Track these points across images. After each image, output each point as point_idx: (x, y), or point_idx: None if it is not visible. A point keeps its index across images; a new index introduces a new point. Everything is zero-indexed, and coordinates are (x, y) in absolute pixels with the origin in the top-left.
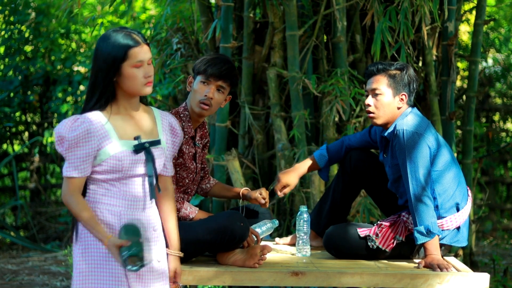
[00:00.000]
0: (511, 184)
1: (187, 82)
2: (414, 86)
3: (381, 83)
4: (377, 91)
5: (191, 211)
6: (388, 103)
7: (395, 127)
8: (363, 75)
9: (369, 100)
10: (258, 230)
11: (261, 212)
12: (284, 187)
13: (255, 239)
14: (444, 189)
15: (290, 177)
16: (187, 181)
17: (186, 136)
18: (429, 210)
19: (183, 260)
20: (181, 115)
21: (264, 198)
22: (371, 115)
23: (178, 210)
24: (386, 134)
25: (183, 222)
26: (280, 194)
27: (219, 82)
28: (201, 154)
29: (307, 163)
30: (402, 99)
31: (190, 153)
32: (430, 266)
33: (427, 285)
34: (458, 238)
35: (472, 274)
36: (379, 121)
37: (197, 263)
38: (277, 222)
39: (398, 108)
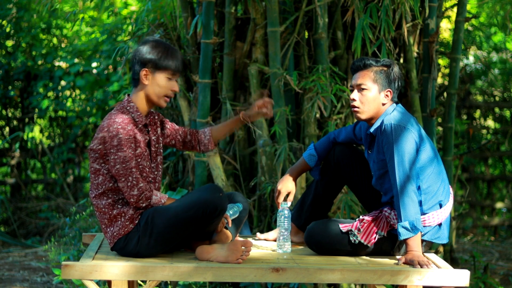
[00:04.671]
0: (491, 181)
1: (140, 74)
2: (399, 83)
3: (367, 78)
4: (362, 86)
5: (161, 196)
6: (373, 98)
7: (382, 123)
8: (346, 71)
9: (354, 94)
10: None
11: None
12: (287, 195)
13: (226, 221)
14: (428, 185)
15: (289, 184)
16: (147, 169)
17: (140, 125)
18: (414, 206)
19: (171, 244)
20: (128, 108)
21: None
22: (355, 109)
23: (149, 198)
24: (372, 130)
25: (159, 208)
26: (280, 205)
27: (180, 74)
28: (156, 141)
29: (298, 165)
30: (387, 95)
31: (145, 140)
32: (410, 263)
33: (407, 281)
34: (439, 235)
35: (452, 270)
36: (363, 116)
37: (177, 259)
38: (241, 205)
39: (383, 104)
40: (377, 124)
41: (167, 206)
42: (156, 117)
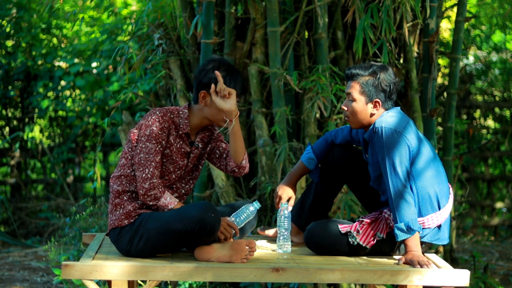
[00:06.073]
0: (491, 181)
1: (199, 96)
2: (392, 88)
3: (354, 89)
4: (350, 97)
5: (170, 201)
6: (360, 110)
7: (374, 125)
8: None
9: (344, 104)
10: (237, 219)
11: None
12: (288, 200)
13: (233, 231)
14: (425, 187)
15: (289, 189)
16: (173, 176)
17: (180, 132)
18: (409, 207)
19: (161, 252)
20: (180, 112)
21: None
22: (346, 119)
23: (158, 199)
24: (366, 135)
25: (155, 212)
26: (283, 206)
27: (240, 96)
28: (201, 154)
29: (297, 169)
30: (375, 105)
31: (182, 149)
32: (410, 263)
33: (407, 281)
34: (439, 236)
35: (452, 270)
36: (354, 125)
37: (177, 258)
38: (258, 204)
39: (372, 115)
40: (370, 129)
41: (161, 214)
42: (211, 136)
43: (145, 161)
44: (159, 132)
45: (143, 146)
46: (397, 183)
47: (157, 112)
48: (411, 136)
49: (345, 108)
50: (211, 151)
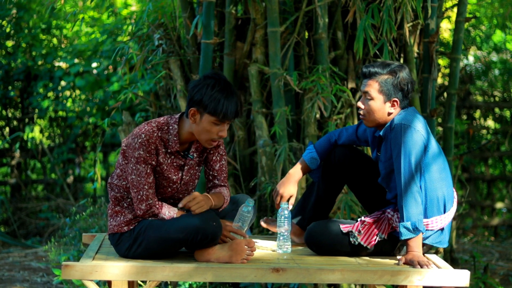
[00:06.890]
0: (492, 181)
1: (189, 112)
2: (409, 87)
3: (372, 88)
4: (367, 96)
5: (170, 215)
6: (378, 109)
7: (392, 122)
8: (346, 71)
9: (361, 102)
10: (239, 224)
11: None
12: (288, 199)
13: (239, 236)
14: (435, 189)
15: (291, 188)
16: (169, 189)
17: (169, 150)
18: (417, 207)
19: (160, 257)
20: (170, 128)
21: None
22: (362, 117)
23: (156, 215)
24: (381, 133)
25: (155, 221)
26: (283, 206)
27: (231, 120)
28: (195, 166)
29: (299, 168)
30: (393, 104)
31: (174, 163)
32: (410, 263)
33: (407, 281)
34: (441, 239)
35: (452, 271)
36: (370, 124)
37: (178, 259)
38: (251, 200)
39: (389, 114)
40: (387, 126)
41: (162, 222)
42: (205, 148)
43: (138, 183)
44: (147, 155)
45: (134, 168)
46: (409, 180)
47: (142, 135)
48: (427, 137)
49: (362, 106)
50: (204, 159)
